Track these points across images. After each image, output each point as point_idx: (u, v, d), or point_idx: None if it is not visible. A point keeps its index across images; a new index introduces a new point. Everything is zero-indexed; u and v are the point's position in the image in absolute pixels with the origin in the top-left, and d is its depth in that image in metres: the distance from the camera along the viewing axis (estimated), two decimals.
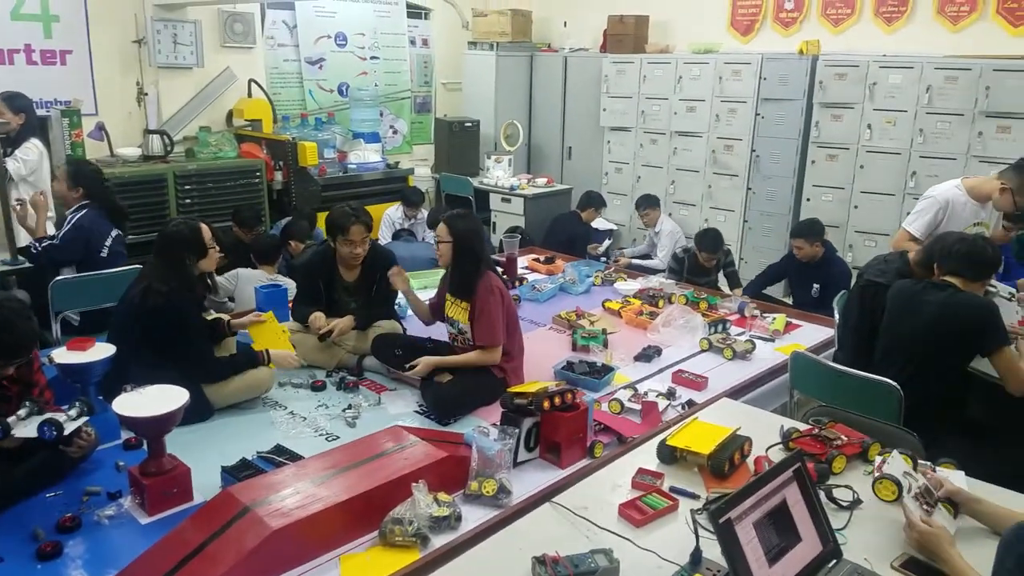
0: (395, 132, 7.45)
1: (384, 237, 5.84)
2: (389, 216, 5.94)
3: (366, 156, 6.35)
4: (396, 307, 3.72)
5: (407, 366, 3.03)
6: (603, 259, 5.72)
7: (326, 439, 2.74)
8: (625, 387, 3.12)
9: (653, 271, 5.42)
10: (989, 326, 2.65)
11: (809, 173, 5.76)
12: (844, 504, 1.91)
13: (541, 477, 2.44)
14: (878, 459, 2.05)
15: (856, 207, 5.54)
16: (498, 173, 6.99)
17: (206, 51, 5.63)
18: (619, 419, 2.83)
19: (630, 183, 6.86)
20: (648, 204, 5.85)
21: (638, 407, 2.88)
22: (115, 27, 5.35)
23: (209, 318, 3.19)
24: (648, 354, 3.49)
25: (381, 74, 7.15)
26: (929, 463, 2.02)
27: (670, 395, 3.02)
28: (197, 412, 2.71)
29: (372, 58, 7.05)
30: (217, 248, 3.05)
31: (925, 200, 3.47)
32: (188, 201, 5.17)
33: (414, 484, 2.12)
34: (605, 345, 3.56)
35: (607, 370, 3.23)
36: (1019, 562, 1.59)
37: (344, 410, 2.94)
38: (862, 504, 1.92)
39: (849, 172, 5.53)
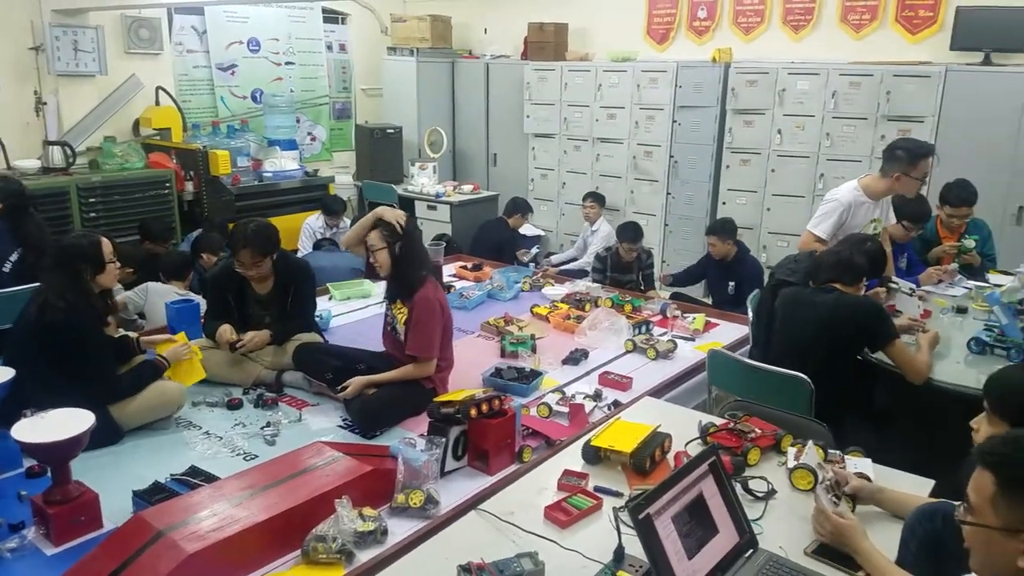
0: (313, 139, 7.33)
1: (304, 247, 5.72)
2: (309, 225, 5.83)
3: (282, 164, 6.23)
4: (317, 318, 3.65)
5: (338, 389, 2.97)
6: (531, 265, 5.75)
7: (244, 458, 2.66)
8: (553, 391, 3.14)
9: (580, 272, 5.49)
10: (877, 324, 2.80)
11: (724, 177, 5.94)
12: (759, 495, 1.97)
13: (470, 485, 2.43)
14: (791, 450, 2.12)
15: (768, 209, 5.74)
16: (423, 180, 6.95)
17: (110, 58, 5.43)
18: (547, 423, 2.85)
19: (555, 189, 6.94)
20: (595, 199, 5.92)
21: (566, 410, 2.90)
22: (9, 33, 5.11)
23: (117, 335, 3.05)
24: (575, 357, 3.53)
25: (297, 80, 7.04)
26: (839, 452, 2.11)
27: (597, 396, 3.06)
28: (105, 435, 2.59)
29: (287, 64, 6.93)
30: (117, 264, 2.93)
31: (829, 203, 3.60)
32: (93, 215, 4.96)
33: (337, 500, 2.08)
34: (534, 350, 3.58)
35: (535, 375, 3.24)
36: (922, 544, 1.68)
37: (263, 428, 2.85)
38: (776, 494, 1.98)
39: (761, 176, 5.73)
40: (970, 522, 1.29)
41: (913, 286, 3.65)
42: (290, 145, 6.52)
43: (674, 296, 4.92)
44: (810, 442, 2.07)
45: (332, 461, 2.29)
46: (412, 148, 7.36)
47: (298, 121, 6.90)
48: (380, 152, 7.16)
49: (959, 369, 2.92)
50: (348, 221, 5.95)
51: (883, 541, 1.75)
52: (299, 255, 5.56)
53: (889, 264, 3.58)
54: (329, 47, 7.30)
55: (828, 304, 2.85)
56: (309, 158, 7.14)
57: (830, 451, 2.11)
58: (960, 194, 4.08)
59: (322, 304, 3.99)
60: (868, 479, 1.97)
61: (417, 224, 3.17)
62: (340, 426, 2.91)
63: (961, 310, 3.58)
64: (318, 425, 2.92)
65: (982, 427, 1.79)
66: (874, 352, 2.89)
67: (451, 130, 7.57)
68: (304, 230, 5.82)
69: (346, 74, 7.56)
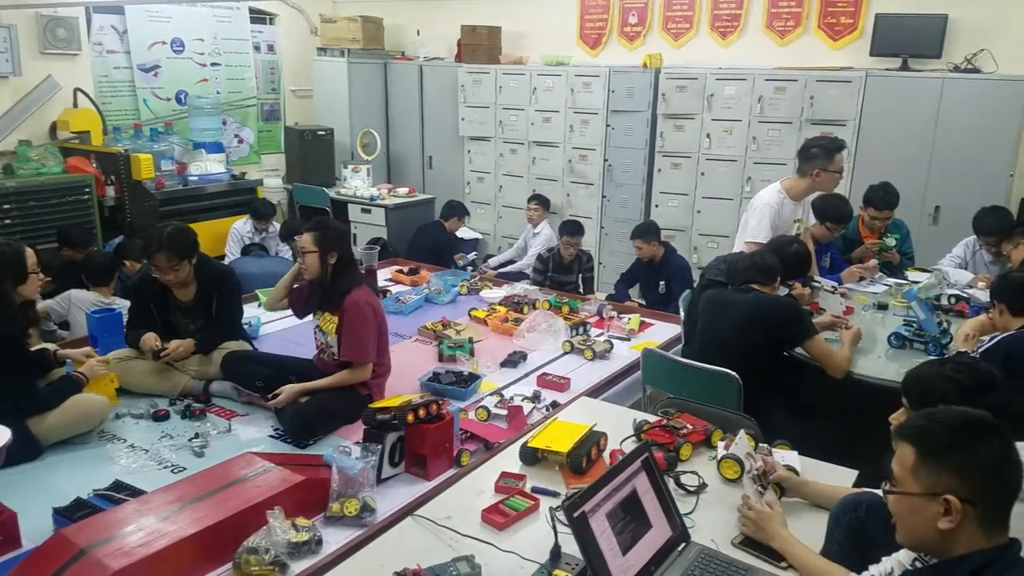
0: (241, 141, 7.16)
1: (232, 252, 5.58)
2: (237, 230, 5.69)
3: (208, 167, 6.06)
4: (246, 325, 3.56)
5: (269, 397, 2.90)
6: (469, 269, 5.74)
7: (172, 471, 2.57)
8: (492, 394, 3.14)
9: (519, 275, 5.50)
10: (792, 322, 2.91)
11: (656, 181, 6.04)
12: (691, 489, 2.01)
13: (407, 491, 2.40)
14: (721, 444, 2.17)
15: (699, 211, 5.86)
16: (356, 183, 6.86)
17: (23, 58, 5.18)
18: (486, 426, 2.84)
19: (492, 192, 6.94)
20: (540, 201, 5.95)
21: (504, 412, 2.91)
22: None
23: (34, 348, 2.91)
24: (514, 360, 3.54)
25: (223, 81, 6.86)
26: (766, 445, 2.17)
27: (535, 398, 3.08)
28: (23, 451, 2.47)
29: (213, 64, 6.75)
30: (41, 274, 2.80)
31: (760, 208, 3.69)
32: (8, 222, 4.74)
33: (269, 511, 2.03)
34: (472, 354, 3.57)
35: (474, 378, 3.24)
36: (847, 532, 1.74)
37: (191, 439, 2.76)
38: (707, 488, 2.03)
39: (692, 179, 5.85)
40: (895, 491, 1.39)
41: (836, 284, 3.79)
42: (216, 148, 6.35)
43: (609, 297, 4.99)
44: (742, 431, 2.12)
45: (263, 472, 2.24)
46: (344, 150, 7.26)
47: (224, 123, 6.72)
48: (311, 154, 7.03)
49: (880, 363, 3.04)
50: (277, 225, 5.84)
51: (810, 532, 1.81)
52: (227, 260, 5.43)
53: (812, 263, 3.70)
54: (257, 48, 7.15)
55: (746, 304, 2.95)
56: (236, 161, 6.96)
57: (758, 444, 2.17)
58: (885, 197, 4.24)
59: (251, 311, 3.89)
60: (795, 471, 2.04)
61: (347, 231, 3.12)
62: (272, 436, 2.84)
63: (882, 306, 3.73)
64: (248, 435, 2.85)
65: (902, 422, 1.82)
66: (792, 349, 2.99)
67: (385, 132, 7.50)
68: (232, 235, 5.68)
69: (274, 75, 7.41)
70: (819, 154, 3.58)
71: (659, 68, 5.90)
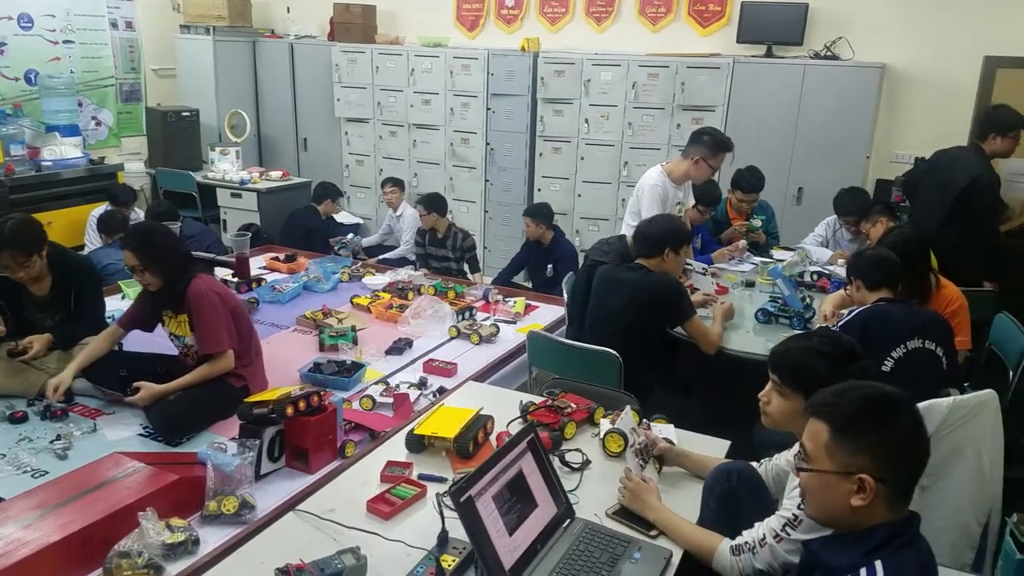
0: (99, 124, 6.69)
1: (92, 242, 5.21)
2: (94, 219, 5.30)
3: (63, 151, 5.65)
4: (109, 319, 3.33)
5: (129, 391, 2.73)
6: (349, 254, 5.59)
7: (32, 476, 2.39)
8: (377, 382, 3.09)
9: (401, 261, 5.43)
10: (676, 302, 3.02)
11: (538, 165, 6.10)
12: (575, 466, 2.06)
13: (289, 486, 2.33)
14: (604, 421, 2.23)
15: (580, 195, 5.98)
16: (225, 166, 6.54)
17: None
18: (371, 415, 2.79)
19: (372, 175, 6.81)
20: (394, 183, 5.85)
21: (390, 400, 2.86)
22: None
23: None
24: (399, 347, 3.49)
25: (78, 59, 6.38)
26: (645, 420, 2.24)
27: (422, 385, 3.05)
28: None
29: (66, 42, 6.26)
30: None
31: (647, 190, 3.79)
32: None
33: (141, 513, 1.93)
34: (355, 342, 3.49)
35: (357, 367, 3.16)
36: (719, 501, 1.83)
37: (52, 441, 2.57)
38: (591, 464, 2.08)
39: (572, 163, 5.95)
40: (808, 469, 1.40)
41: (706, 265, 3.95)
42: (72, 131, 5.91)
43: (495, 281, 5.02)
44: (628, 407, 2.18)
45: (133, 472, 2.14)
46: (211, 132, 6.92)
47: (80, 105, 6.26)
48: (175, 137, 6.67)
49: (749, 338, 3.21)
50: (141, 212, 5.49)
51: (688, 499, 1.89)
52: (86, 251, 5.07)
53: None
54: (114, 24, 6.67)
55: (633, 283, 3.03)
56: (94, 145, 6.51)
57: (641, 420, 2.24)
58: (751, 181, 4.47)
59: (114, 304, 3.67)
60: (672, 443, 2.12)
61: (163, 229, 2.96)
62: (141, 434, 2.68)
63: (749, 284, 3.93)
64: (116, 435, 2.67)
65: (773, 400, 1.82)
66: (673, 328, 3.10)
67: (255, 113, 7.20)
68: (90, 223, 5.29)
69: (134, 53, 6.94)
70: (708, 143, 3.71)
71: (537, 52, 5.94)
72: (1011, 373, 3.19)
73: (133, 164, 6.67)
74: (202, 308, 2.74)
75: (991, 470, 2.21)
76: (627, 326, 2.99)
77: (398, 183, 5.86)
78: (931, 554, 1.36)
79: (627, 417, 2.13)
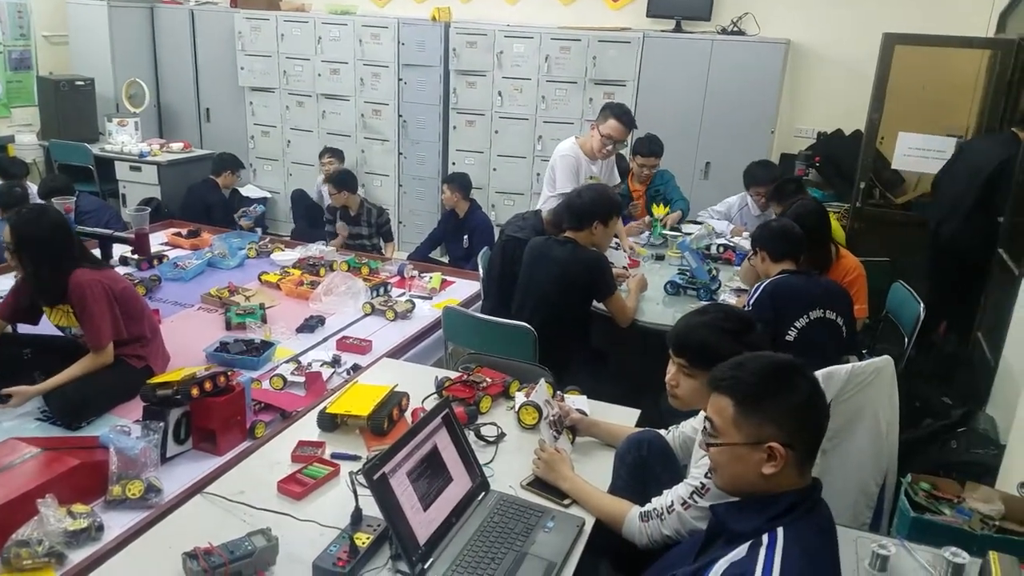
0: None
1: None
2: None
3: None
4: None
5: (2, 393, 2.55)
6: (257, 230, 5.42)
7: None
8: (287, 361, 3.01)
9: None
10: (600, 278, 3.05)
11: (452, 138, 6.06)
12: (490, 440, 2.08)
13: (196, 468, 2.26)
14: (519, 394, 2.26)
15: (495, 169, 5.97)
16: (123, 138, 6.23)
17: None
18: (281, 395, 2.73)
19: (280, 147, 6.61)
20: (333, 154, 5.73)
21: (302, 379, 2.80)
22: None
23: None
24: (311, 324, 3.41)
25: None
26: (559, 391, 2.28)
27: (335, 363, 2.99)
28: None
29: None
30: None
31: (559, 160, 3.81)
32: None
33: (40, 500, 1.85)
34: (264, 320, 3.39)
35: (267, 346, 3.08)
36: (630, 470, 1.88)
37: None
38: (506, 437, 2.11)
39: (486, 137, 5.93)
40: (717, 443, 1.42)
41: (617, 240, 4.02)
42: None
43: (411, 256, 4.98)
44: (542, 380, 2.21)
45: (30, 458, 2.04)
46: (108, 103, 6.56)
47: None
48: (69, 107, 6.30)
49: (658, 310, 3.30)
50: (34, 187, 5.16)
51: (601, 468, 1.94)
52: None
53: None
54: None
55: (561, 260, 3.03)
56: None
57: (555, 392, 2.28)
58: (649, 146, 4.53)
59: (5, 283, 3.43)
60: (585, 414, 2.17)
61: (49, 216, 2.78)
62: (39, 419, 2.54)
63: (659, 257, 4.03)
64: (12, 420, 2.53)
65: (681, 382, 1.84)
66: (600, 302, 3.11)
67: (154, 82, 6.87)
68: None
69: (23, 19, 6.49)
70: (603, 112, 3.77)
71: (448, 22, 5.87)
72: (906, 340, 3.38)
73: (24, 136, 6.30)
74: (84, 302, 2.60)
75: (888, 433, 2.33)
76: (555, 302, 3.01)
77: (336, 153, 5.73)
78: (831, 519, 1.42)
79: (541, 390, 2.16)
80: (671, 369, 1.87)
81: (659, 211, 4.38)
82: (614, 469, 1.92)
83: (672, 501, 1.70)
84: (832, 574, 1.37)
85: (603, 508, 1.80)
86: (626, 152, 4.71)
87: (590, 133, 3.87)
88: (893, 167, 4.86)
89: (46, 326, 3.01)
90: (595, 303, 3.14)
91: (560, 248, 3.08)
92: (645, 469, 1.87)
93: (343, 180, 5.05)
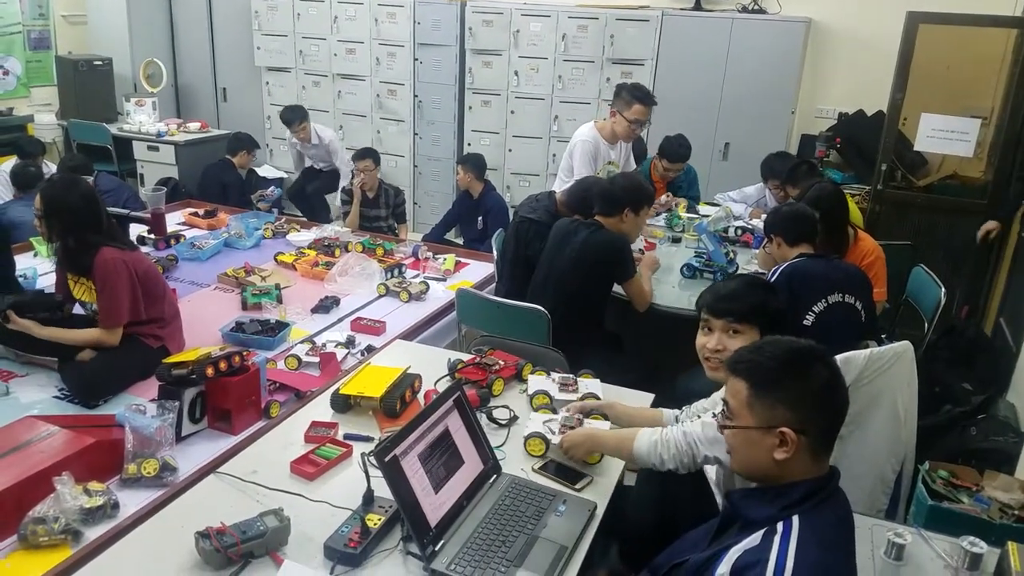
0: (6, 73, 6.29)
1: (2, 197, 4.92)
2: (3, 172, 5.00)
3: None
4: (21, 278, 3.18)
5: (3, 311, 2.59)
6: (274, 210, 5.43)
7: None
8: (303, 341, 3.02)
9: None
10: (621, 260, 3.01)
11: (468, 119, 6.02)
12: (502, 422, 2.07)
13: (211, 447, 2.28)
14: (531, 377, 2.25)
15: (510, 150, 5.93)
16: (141, 118, 6.25)
17: None
18: (296, 375, 2.74)
19: None
20: (296, 115, 5.76)
21: (316, 360, 2.81)
22: None
23: None
24: (326, 305, 3.42)
25: None
26: (572, 375, 2.27)
27: (349, 343, 3.00)
28: None
29: None
30: None
31: (579, 146, 3.76)
32: None
33: (56, 478, 1.87)
34: (279, 300, 3.41)
35: (282, 326, 3.09)
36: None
37: None
38: (518, 420, 2.10)
39: (502, 117, 5.89)
40: (731, 426, 1.42)
41: None
42: None
43: (425, 238, 4.97)
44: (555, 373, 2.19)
45: (48, 436, 2.06)
46: (126, 82, 6.59)
47: None
48: (88, 87, 6.33)
49: (675, 293, 3.27)
50: (52, 165, 5.20)
51: None
52: None
53: None
54: None
55: (581, 241, 2.99)
56: (2, 95, 6.15)
57: (564, 375, 2.27)
58: (678, 151, 4.45)
59: (26, 262, 3.50)
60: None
61: (80, 187, 2.78)
62: (57, 397, 2.57)
63: (676, 240, 3.99)
64: (29, 397, 2.56)
65: (727, 345, 1.89)
66: (619, 283, 3.07)
67: (172, 62, 6.88)
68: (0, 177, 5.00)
69: None
70: (624, 97, 3.71)
71: (464, 1, 5.81)
72: (926, 324, 3.33)
73: (44, 116, 6.33)
74: (106, 280, 2.61)
75: (906, 418, 2.30)
76: (574, 284, 2.98)
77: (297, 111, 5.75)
78: (848, 509, 1.41)
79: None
80: (712, 339, 1.91)
81: (681, 209, 4.37)
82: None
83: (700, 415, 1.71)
84: (848, 565, 1.35)
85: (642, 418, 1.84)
86: (646, 134, 4.66)
87: (611, 119, 3.80)
88: (916, 148, 4.77)
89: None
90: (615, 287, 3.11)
91: (585, 230, 3.03)
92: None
93: (375, 155, 5.13)
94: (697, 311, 2.05)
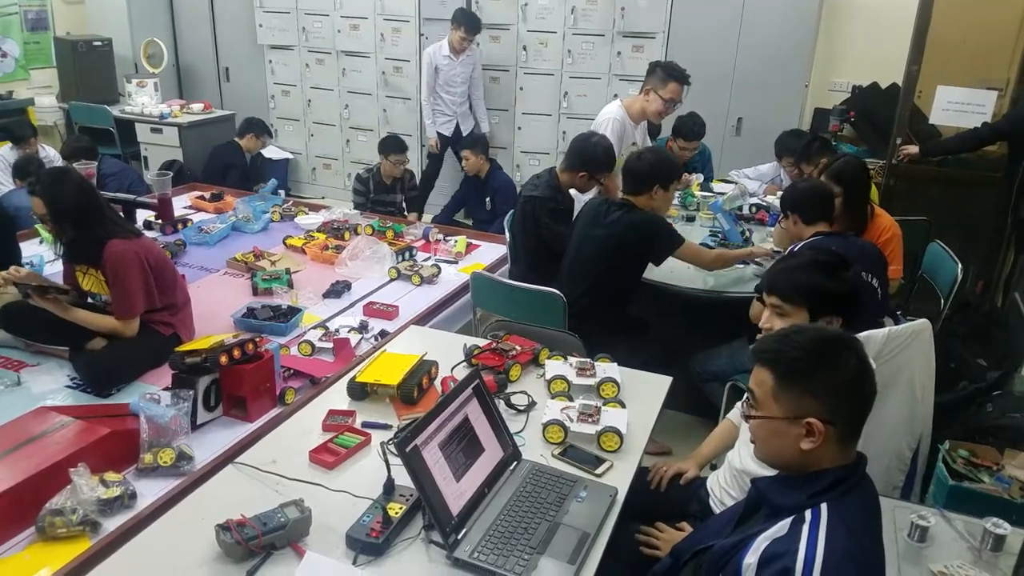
0: (4, 56, 6.23)
1: (3, 183, 4.89)
2: (4, 158, 4.95)
3: None
4: (28, 265, 3.16)
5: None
6: (281, 192, 5.40)
7: None
8: (315, 327, 3.01)
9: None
10: (659, 237, 2.92)
11: None
12: (521, 408, 2.05)
13: (228, 435, 2.27)
14: (548, 362, 2.23)
15: (520, 128, 5.86)
16: (143, 99, 6.20)
17: None
18: (310, 361, 2.73)
19: (300, 107, 6.54)
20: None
21: (330, 345, 2.80)
22: None
23: None
24: (337, 289, 3.40)
25: None
26: (589, 360, 2.24)
27: (362, 328, 2.98)
28: None
29: None
30: None
31: (605, 123, 3.69)
32: None
33: (72, 469, 1.87)
34: (290, 285, 3.38)
35: (294, 312, 3.07)
36: None
37: None
38: (536, 405, 2.08)
39: (511, 94, 5.82)
40: (756, 416, 1.39)
41: None
42: None
43: (435, 220, 4.94)
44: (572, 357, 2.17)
45: (62, 427, 2.06)
46: (127, 63, 6.53)
47: None
48: (88, 68, 6.27)
49: (689, 273, 3.20)
50: (50, 150, 5.15)
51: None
52: None
53: None
54: None
55: (614, 221, 2.92)
56: (1, 78, 6.09)
57: (581, 359, 2.24)
58: (693, 128, 4.39)
59: (32, 249, 3.47)
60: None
61: (78, 178, 2.74)
62: (69, 386, 2.57)
63: (690, 219, 3.94)
64: (42, 387, 2.55)
65: (775, 324, 1.88)
66: (659, 264, 3.00)
67: (172, 41, 6.80)
68: (0, 162, 4.96)
69: None
70: (659, 75, 3.63)
71: None
72: (942, 301, 3.30)
73: (44, 98, 6.28)
74: (118, 271, 2.58)
75: (923, 396, 2.29)
76: (601, 266, 2.92)
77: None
78: (876, 497, 1.39)
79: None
80: (765, 314, 1.92)
81: (695, 187, 4.32)
82: None
83: None
84: (876, 552, 1.34)
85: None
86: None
87: (643, 96, 3.73)
88: (931, 122, 4.69)
89: None
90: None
91: (616, 211, 2.94)
92: None
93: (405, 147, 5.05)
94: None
